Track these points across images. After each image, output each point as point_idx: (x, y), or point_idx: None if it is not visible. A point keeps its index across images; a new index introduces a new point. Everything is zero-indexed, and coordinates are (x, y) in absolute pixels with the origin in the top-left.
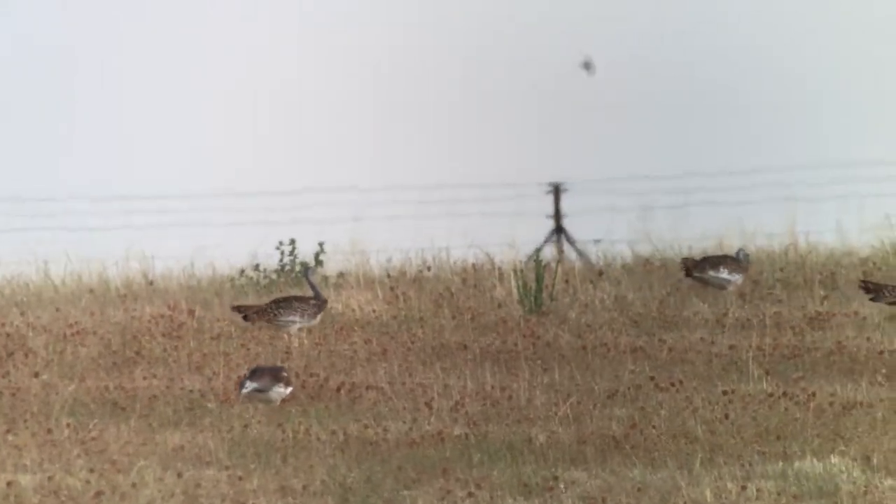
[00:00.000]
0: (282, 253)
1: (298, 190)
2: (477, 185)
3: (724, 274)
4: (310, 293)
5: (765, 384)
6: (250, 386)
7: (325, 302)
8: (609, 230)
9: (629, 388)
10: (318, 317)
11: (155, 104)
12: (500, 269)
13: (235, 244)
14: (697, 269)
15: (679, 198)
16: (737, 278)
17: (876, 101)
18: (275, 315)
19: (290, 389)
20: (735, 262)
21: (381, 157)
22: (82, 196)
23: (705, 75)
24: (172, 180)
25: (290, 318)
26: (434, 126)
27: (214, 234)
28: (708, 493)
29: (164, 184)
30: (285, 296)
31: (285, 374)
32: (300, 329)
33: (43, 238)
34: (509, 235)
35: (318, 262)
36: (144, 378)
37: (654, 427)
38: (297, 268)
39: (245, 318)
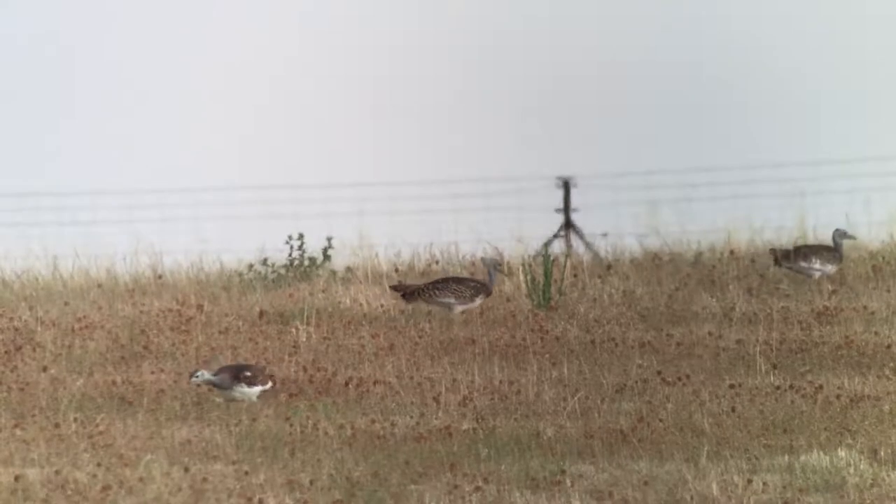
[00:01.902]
0: (290, 247)
1: (302, 185)
2: (484, 179)
3: (815, 265)
4: (468, 275)
5: (772, 378)
6: (201, 376)
7: (487, 288)
8: (615, 225)
9: (637, 383)
10: (477, 300)
11: (156, 100)
12: (508, 263)
13: (240, 239)
14: (787, 259)
15: (686, 192)
16: (829, 268)
17: (884, 95)
18: (430, 295)
19: (257, 389)
20: (829, 251)
21: (385, 153)
22: (89, 191)
23: (712, 71)
24: (174, 176)
25: (447, 299)
26: (437, 123)
27: (219, 229)
28: (714, 487)
29: (166, 179)
30: (444, 277)
31: (249, 374)
32: (461, 311)
33: (52, 233)
34: (517, 230)
35: (327, 257)
36: (152, 372)
37: (661, 421)
38: (306, 262)
39: (403, 296)
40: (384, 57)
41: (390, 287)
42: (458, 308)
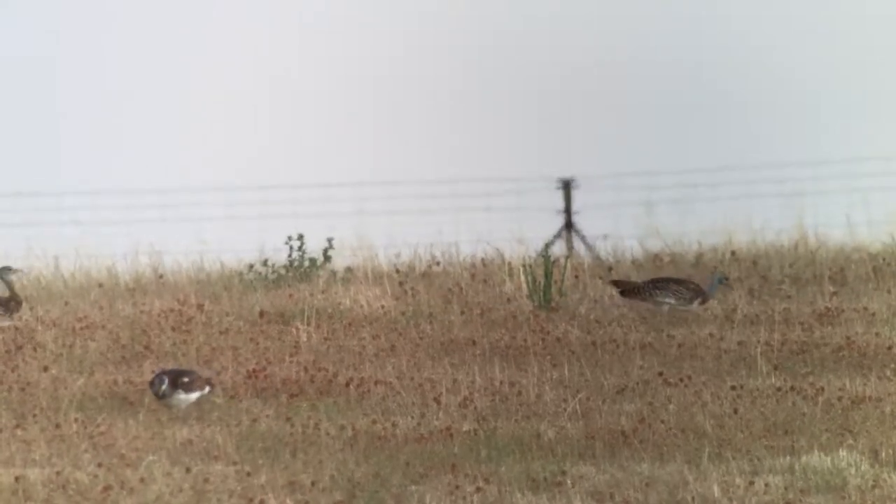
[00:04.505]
0: (290, 248)
1: (302, 185)
2: (484, 179)
3: None
4: (684, 277)
5: (773, 379)
6: (159, 386)
7: (705, 294)
8: (616, 226)
9: (638, 384)
10: (695, 303)
11: (156, 99)
12: (509, 264)
13: (241, 239)
14: None
15: (686, 193)
16: None
17: (884, 95)
18: (650, 294)
19: (195, 394)
20: None
21: (384, 153)
22: (89, 191)
23: (712, 71)
24: (174, 176)
25: (666, 299)
26: (437, 123)
27: (219, 229)
28: (716, 488)
29: (166, 179)
30: (664, 276)
31: (187, 380)
32: (678, 311)
33: (52, 233)
34: (518, 231)
35: (327, 258)
36: (153, 372)
37: (662, 422)
38: (306, 263)
39: (622, 293)
40: (384, 57)
41: (610, 281)
42: (681, 309)
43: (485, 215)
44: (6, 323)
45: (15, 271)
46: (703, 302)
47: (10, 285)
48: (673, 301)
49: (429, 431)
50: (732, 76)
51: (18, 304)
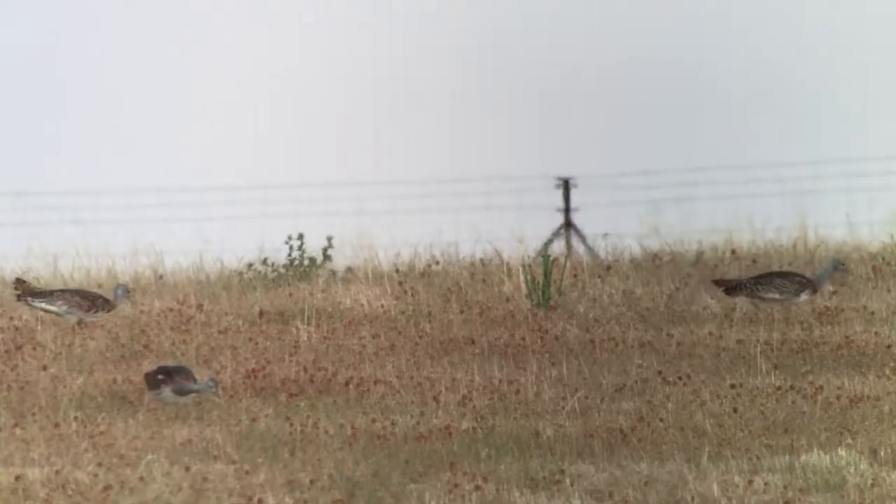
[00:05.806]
0: (290, 247)
1: (302, 184)
2: (483, 179)
3: None
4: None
5: (772, 378)
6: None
7: (813, 284)
8: (615, 225)
9: (637, 382)
10: (803, 295)
11: (157, 99)
12: (508, 263)
13: (241, 238)
14: None
15: (687, 192)
16: None
17: (884, 95)
18: (752, 291)
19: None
20: None
21: (385, 153)
22: (90, 191)
23: (712, 71)
24: (175, 175)
25: (770, 294)
26: (437, 123)
27: (220, 229)
28: (715, 487)
29: (167, 179)
30: (767, 272)
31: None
32: (783, 305)
33: (52, 233)
34: (517, 230)
35: (327, 257)
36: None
37: (661, 421)
38: (306, 262)
39: (726, 291)
40: (384, 57)
41: (712, 280)
42: (780, 302)
43: (485, 215)
44: (90, 319)
45: (128, 294)
46: (814, 292)
47: (116, 301)
48: (777, 296)
49: (428, 430)
50: (732, 76)
51: (109, 307)
